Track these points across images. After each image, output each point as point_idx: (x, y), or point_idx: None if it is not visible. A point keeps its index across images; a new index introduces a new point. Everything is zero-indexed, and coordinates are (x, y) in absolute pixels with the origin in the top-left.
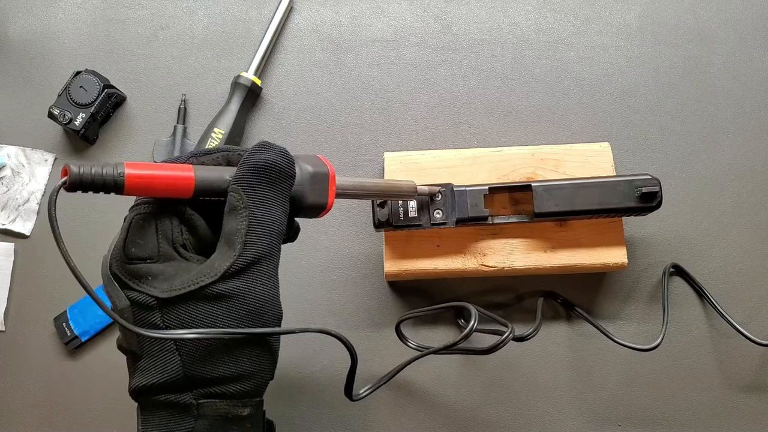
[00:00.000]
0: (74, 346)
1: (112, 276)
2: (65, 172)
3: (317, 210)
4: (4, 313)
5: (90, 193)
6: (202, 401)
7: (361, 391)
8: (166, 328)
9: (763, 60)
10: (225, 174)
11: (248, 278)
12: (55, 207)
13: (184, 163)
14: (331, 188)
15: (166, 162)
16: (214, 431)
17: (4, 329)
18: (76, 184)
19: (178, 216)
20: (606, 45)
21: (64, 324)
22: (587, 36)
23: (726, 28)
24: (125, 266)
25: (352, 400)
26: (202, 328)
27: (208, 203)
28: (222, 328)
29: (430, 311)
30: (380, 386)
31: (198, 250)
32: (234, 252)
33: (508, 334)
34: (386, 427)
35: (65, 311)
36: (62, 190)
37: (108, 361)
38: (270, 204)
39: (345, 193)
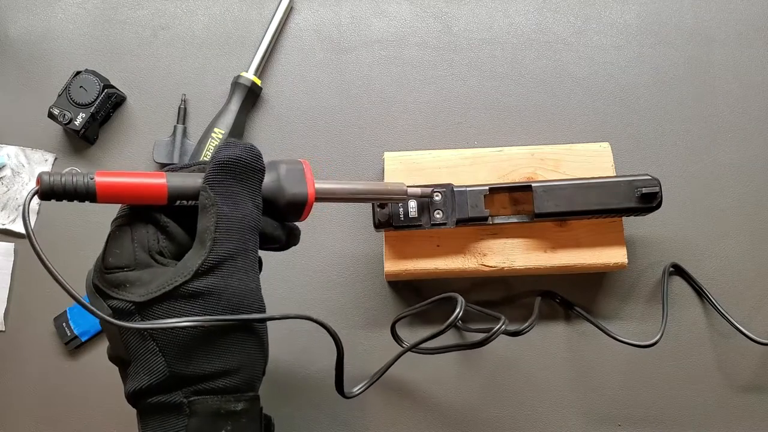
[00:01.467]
0: (74, 346)
1: (93, 288)
2: (38, 183)
3: (300, 204)
4: (4, 313)
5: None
6: (192, 399)
7: (355, 389)
8: (146, 331)
9: (763, 60)
10: (199, 179)
11: (222, 274)
12: (28, 211)
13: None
14: (309, 178)
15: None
16: (207, 428)
17: (4, 329)
18: (48, 193)
19: (154, 224)
20: (606, 45)
21: (64, 324)
22: (587, 36)
23: (726, 28)
24: (104, 276)
25: (345, 396)
26: (181, 328)
27: (188, 211)
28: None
29: (422, 307)
30: (374, 382)
31: (177, 256)
32: (205, 250)
33: (501, 326)
34: (385, 426)
35: (65, 311)
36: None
37: (108, 361)
38: (238, 199)
39: (332, 197)
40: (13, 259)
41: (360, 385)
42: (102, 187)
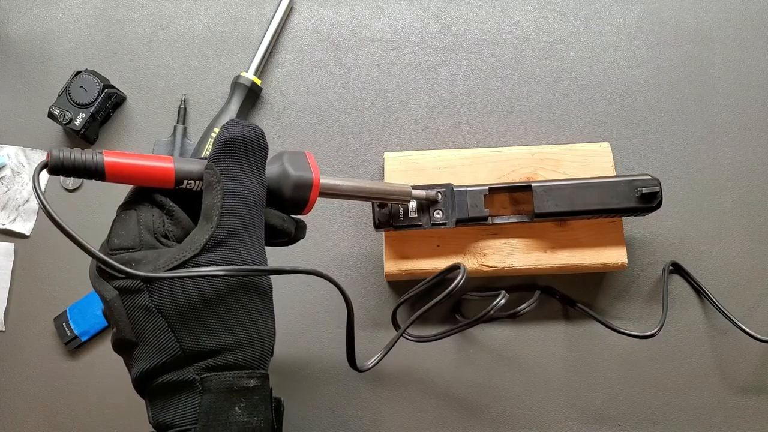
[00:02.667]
0: (74, 346)
1: (97, 272)
2: (48, 157)
3: (306, 188)
4: (4, 313)
5: (105, 193)
6: (205, 375)
7: (368, 363)
8: (156, 307)
9: (763, 60)
10: (203, 165)
11: (230, 249)
12: (38, 182)
13: None
14: (313, 165)
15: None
16: (221, 404)
17: (4, 329)
18: (57, 168)
19: (159, 207)
20: (606, 45)
21: (64, 324)
22: (587, 36)
23: (726, 28)
24: (109, 258)
25: (358, 370)
26: (191, 301)
27: (192, 197)
28: (210, 299)
29: (423, 287)
30: (387, 353)
31: (181, 240)
32: (212, 225)
33: (500, 299)
34: (385, 426)
35: (65, 311)
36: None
37: (108, 361)
38: (244, 176)
39: (336, 192)
40: (13, 259)
41: (372, 359)
42: (111, 165)
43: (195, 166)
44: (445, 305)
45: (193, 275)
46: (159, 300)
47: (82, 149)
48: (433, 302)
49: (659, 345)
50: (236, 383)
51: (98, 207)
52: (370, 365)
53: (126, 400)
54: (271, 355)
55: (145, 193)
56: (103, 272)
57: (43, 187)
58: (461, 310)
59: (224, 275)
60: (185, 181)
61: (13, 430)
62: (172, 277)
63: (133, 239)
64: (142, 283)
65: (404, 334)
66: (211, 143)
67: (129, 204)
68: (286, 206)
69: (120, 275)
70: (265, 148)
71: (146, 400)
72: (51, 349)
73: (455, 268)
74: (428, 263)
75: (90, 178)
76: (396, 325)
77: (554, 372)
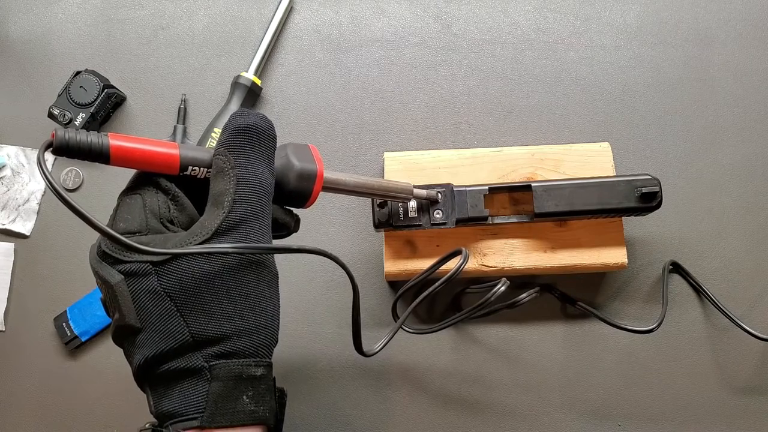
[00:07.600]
0: (74, 346)
1: (100, 256)
2: (53, 136)
3: (310, 178)
4: (4, 313)
5: (105, 187)
6: (213, 363)
7: (375, 347)
8: (164, 291)
9: (763, 60)
10: (209, 152)
11: (241, 235)
12: (44, 161)
13: None
14: (317, 157)
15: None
16: (229, 393)
17: (4, 329)
18: (63, 148)
19: (165, 193)
20: (606, 45)
21: (64, 324)
22: (587, 36)
23: (726, 28)
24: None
25: (364, 355)
26: (201, 285)
27: (195, 185)
28: (220, 283)
29: (423, 276)
30: (392, 337)
31: (186, 227)
32: (223, 210)
33: (501, 285)
34: (384, 426)
35: (65, 311)
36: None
37: (108, 361)
38: (256, 164)
39: (338, 187)
40: (13, 259)
41: (379, 343)
42: (116, 149)
43: (200, 153)
44: (444, 301)
45: (207, 251)
46: (168, 283)
47: (88, 132)
48: (436, 285)
49: (659, 344)
50: (245, 371)
51: (97, 207)
52: (377, 349)
53: (126, 400)
54: (275, 344)
55: (149, 178)
56: (106, 256)
57: (49, 168)
58: (461, 307)
59: (234, 252)
60: (190, 168)
61: (13, 430)
62: (193, 253)
63: (139, 223)
64: (150, 266)
65: (404, 327)
66: (212, 143)
67: (133, 189)
68: (290, 197)
69: (126, 258)
70: (274, 139)
71: (147, 388)
72: (51, 349)
73: (457, 253)
74: (428, 263)
75: (94, 160)
76: (396, 318)
77: (554, 371)
